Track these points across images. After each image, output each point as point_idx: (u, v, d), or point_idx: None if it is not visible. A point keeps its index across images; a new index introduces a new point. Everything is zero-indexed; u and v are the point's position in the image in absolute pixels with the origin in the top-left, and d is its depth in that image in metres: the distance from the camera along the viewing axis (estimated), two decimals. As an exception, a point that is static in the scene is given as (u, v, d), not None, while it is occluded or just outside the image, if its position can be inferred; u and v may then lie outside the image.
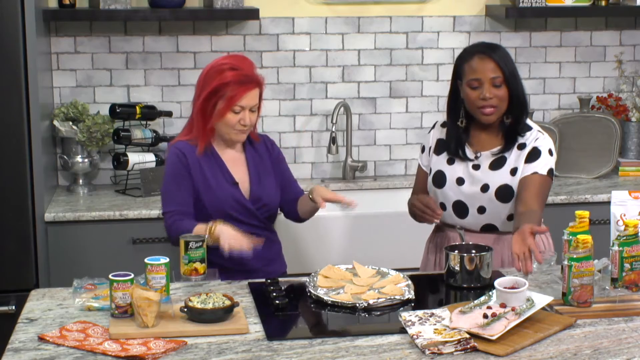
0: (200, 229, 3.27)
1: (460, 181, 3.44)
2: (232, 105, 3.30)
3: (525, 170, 3.37)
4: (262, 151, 3.50)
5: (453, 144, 3.46)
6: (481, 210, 3.42)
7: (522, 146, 3.42)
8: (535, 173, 3.35)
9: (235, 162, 3.43)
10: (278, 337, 2.76)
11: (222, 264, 3.32)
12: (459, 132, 3.45)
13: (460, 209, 3.45)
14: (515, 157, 3.41)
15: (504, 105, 3.36)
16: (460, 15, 4.86)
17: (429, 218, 3.37)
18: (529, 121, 3.47)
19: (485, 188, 3.40)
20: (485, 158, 3.44)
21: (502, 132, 3.43)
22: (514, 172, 3.40)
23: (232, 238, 3.19)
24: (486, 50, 3.36)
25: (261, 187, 3.43)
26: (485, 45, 3.44)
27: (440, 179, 3.48)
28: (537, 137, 3.42)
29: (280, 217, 3.62)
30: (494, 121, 3.39)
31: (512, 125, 3.41)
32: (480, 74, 3.34)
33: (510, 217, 3.41)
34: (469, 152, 3.46)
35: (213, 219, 3.31)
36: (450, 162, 3.48)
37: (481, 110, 3.36)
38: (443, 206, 3.48)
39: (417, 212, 3.42)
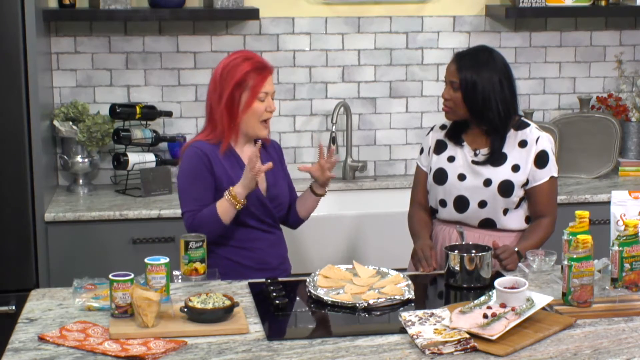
0: (222, 204, 3.30)
1: (461, 177, 3.48)
2: (258, 93, 3.35)
3: (538, 176, 3.46)
4: (272, 152, 3.54)
5: (452, 132, 3.56)
6: (482, 204, 3.45)
7: (523, 143, 3.46)
8: (551, 177, 3.48)
9: None
10: (278, 337, 2.77)
11: (242, 263, 3.39)
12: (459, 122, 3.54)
13: (461, 203, 3.48)
14: (517, 155, 3.45)
15: (459, 109, 3.45)
16: (460, 15, 4.86)
17: (422, 268, 3.40)
18: (524, 118, 3.54)
19: (487, 183, 3.44)
20: (484, 155, 3.48)
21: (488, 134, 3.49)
22: (515, 168, 3.45)
23: (250, 170, 3.25)
24: (459, 55, 3.49)
25: (276, 186, 3.48)
26: (468, 50, 3.56)
27: (441, 176, 3.52)
28: (538, 135, 3.47)
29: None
30: (452, 120, 3.53)
31: (489, 130, 3.46)
32: (445, 75, 3.50)
33: (505, 211, 3.46)
34: (468, 149, 3.50)
35: (234, 218, 3.36)
36: (451, 160, 3.52)
37: (443, 107, 3.52)
38: (444, 203, 3.51)
39: (415, 258, 3.46)
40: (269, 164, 3.31)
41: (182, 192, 3.40)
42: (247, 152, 3.45)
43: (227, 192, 3.30)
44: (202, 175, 3.35)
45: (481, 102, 3.40)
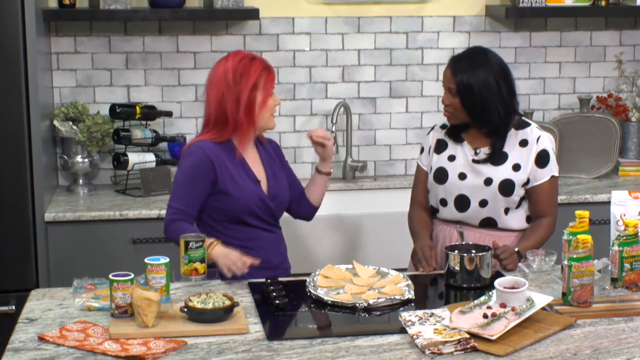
0: None
1: (462, 176, 3.49)
2: (271, 89, 3.41)
3: (539, 175, 3.46)
4: (271, 151, 3.56)
5: (452, 131, 3.56)
6: (483, 203, 3.46)
7: (524, 143, 3.47)
8: (552, 177, 3.48)
9: (254, 161, 3.48)
10: (278, 337, 2.77)
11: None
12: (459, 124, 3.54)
13: (462, 203, 3.48)
14: (518, 154, 3.46)
15: (459, 113, 3.45)
16: (460, 15, 4.86)
17: (422, 268, 3.40)
18: (524, 118, 3.55)
19: (488, 182, 3.44)
20: (485, 154, 3.49)
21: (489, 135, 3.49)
22: (516, 167, 3.45)
23: (231, 263, 3.20)
24: (454, 59, 3.48)
25: (277, 185, 3.49)
26: (462, 52, 3.53)
27: (441, 175, 3.52)
28: (539, 135, 3.48)
29: (282, 218, 3.62)
30: (454, 123, 3.52)
31: (491, 132, 3.47)
32: (443, 80, 3.50)
33: (506, 211, 3.46)
34: (468, 148, 3.50)
35: (237, 217, 3.38)
36: (452, 159, 3.52)
37: (444, 112, 3.52)
38: (444, 202, 3.51)
39: (415, 258, 3.46)
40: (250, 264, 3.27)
41: (175, 187, 3.41)
42: (250, 151, 3.46)
43: (210, 242, 3.23)
44: (198, 179, 3.35)
45: (480, 105, 3.40)
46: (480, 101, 3.40)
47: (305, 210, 3.64)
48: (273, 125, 3.47)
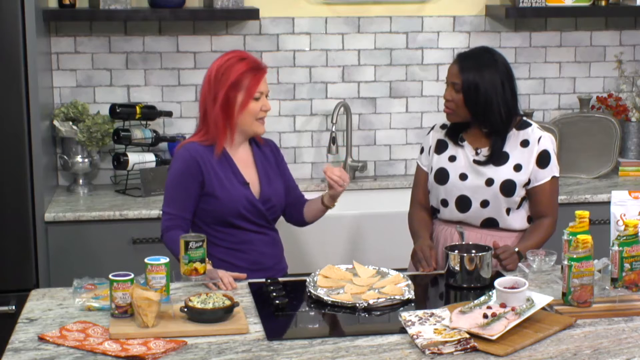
0: None
1: (463, 177, 3.48)
2: (254, 93, 3.34)
3: (540, 176, 3.47)
4: (267, 153, 3.53)
5: (452, 132, 3.55)
6: (484, 204, 3.46)
7: (525, 143, 3.47)
8: (553, 177, 3.49)
9: (245, 163, 3.45)
10: (278, 337, 2.77)
11: (236, 264, 3.37)
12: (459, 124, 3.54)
13: (463, 203, 3.48)
14: (519, 154, 3.46)
15: (461, 110, 3.45)
16: (461, 15, 4.86)
17: (422, 268, 3.39)
18: (525, 118, 3.55)
19: (489, 182, 3.44)
20: (485, 154, 3.48)
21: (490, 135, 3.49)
22: (517, 168, 3.45)
23: (217, 277, 3.17)
24: (462, 56, 3.48)
25: (270, 188, 3.46)
26: (470, 50, 3.54)
27: (442, 176, 3.52)
28: (540, 135, 3.48)
29: (281, 218, 3.63)
30: (454, 121, 3.51)
31: (491, 133, 3.47)
32: (447, 76, 3.49)
33: (508, 211, 3.46)
34: (469, 149, 3.49)
35: (225, 220, 3.37)
36: (452, 159, 3.52)
37: (445, 109, 3.51)
38: (445, 202, 3.51)
39: (415, 258, 3.45)
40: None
41: (166, 191, 3.41)
42: (240, 153, 3.45)
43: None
44: (186, 182, 3.34)
45: (483, 105, 3.40)
46: (484, 101, 3.39)
47: (296, 218, 3.62)
48: (260, 130, 3.41)
